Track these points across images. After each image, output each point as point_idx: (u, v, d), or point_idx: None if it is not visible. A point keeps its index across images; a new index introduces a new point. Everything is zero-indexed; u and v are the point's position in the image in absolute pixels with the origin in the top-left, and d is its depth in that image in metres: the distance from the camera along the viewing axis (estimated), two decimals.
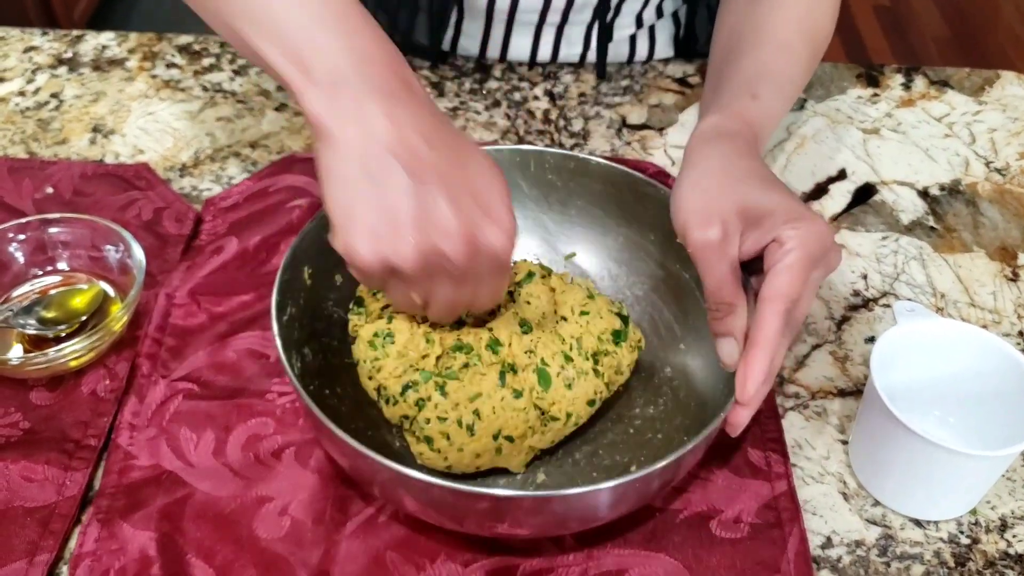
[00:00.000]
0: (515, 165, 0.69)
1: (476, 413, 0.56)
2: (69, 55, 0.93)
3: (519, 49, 0.93)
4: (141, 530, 0.57)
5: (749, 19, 0.73)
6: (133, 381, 0.65)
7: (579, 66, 0.94)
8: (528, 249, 0.71)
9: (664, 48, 0.96)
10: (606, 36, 0.91)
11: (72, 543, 0.57)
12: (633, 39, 0.94)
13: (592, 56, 0.94)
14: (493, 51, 0.93)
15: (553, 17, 0.89)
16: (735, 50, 0.72)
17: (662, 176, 0.82)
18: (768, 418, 0.65)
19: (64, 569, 0.56)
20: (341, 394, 0.63)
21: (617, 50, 0.94)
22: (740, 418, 0.54)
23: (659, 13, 0.93)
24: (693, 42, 0.95)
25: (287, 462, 0.61)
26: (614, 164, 0.67)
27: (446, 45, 0.93)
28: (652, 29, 0.94)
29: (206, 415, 0.63)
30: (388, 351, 0.59)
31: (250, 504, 0.59)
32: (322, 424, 0.52)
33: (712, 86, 0.72)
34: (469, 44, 0.93)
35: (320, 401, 0.54)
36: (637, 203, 0.66)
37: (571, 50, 0.93)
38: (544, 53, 0.93)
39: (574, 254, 0.71)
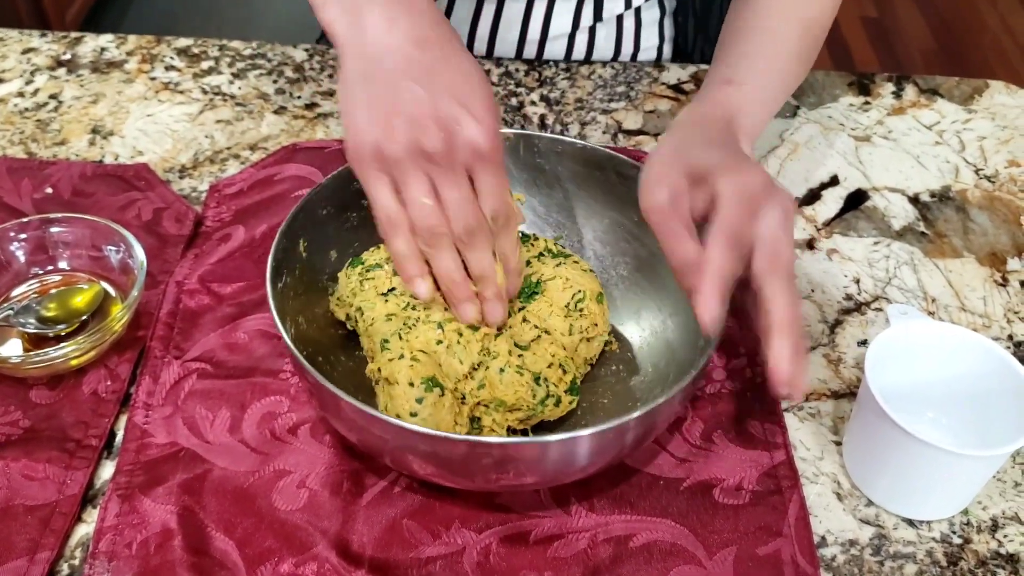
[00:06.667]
0: (505, 150, 0.70)
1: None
2: (68, 57, 0.93)
3: (509, 25, 0.94)
4: (162, 504, 0.58)
5: (741, 15, 0.74)
6: (146, 362, 0.66)
7: (575, 64, 0.95)
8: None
9: (650, 36, 0.98)
10: (599, 12, 0.93)
11: (73, 540, 0.57)
12: (620, 20, 0.95)
13: (580, 40, 0.95)
14: (483, 28, 0.94)
15: None
16: (723, 45, 0.74)
17: None
18: (765, 392, 0.67)
19: (64, 567, 0.56)
20: (334, 361, 0.64)
21: (607, 30, 0.96)
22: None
23: None
24: (681, 31, 0.98)
25: (303, 438, 0.62)
26: (599, 147, 0.68)
27: None
28: (638, 12, 0.96)
29: (220, 394, 0.65)
30: (366, 287, 0.63)
31: (268, 478, 0.60)
32: (316, 381, 0.53)
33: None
34: (459, 25, 0.95)
35: (314, 367, 0.54)
36: (621, 184, 0.68)
37: (561, 21, 0.94)
38: (534, 29, 0.94)
39: (561, 236, 0.72)
